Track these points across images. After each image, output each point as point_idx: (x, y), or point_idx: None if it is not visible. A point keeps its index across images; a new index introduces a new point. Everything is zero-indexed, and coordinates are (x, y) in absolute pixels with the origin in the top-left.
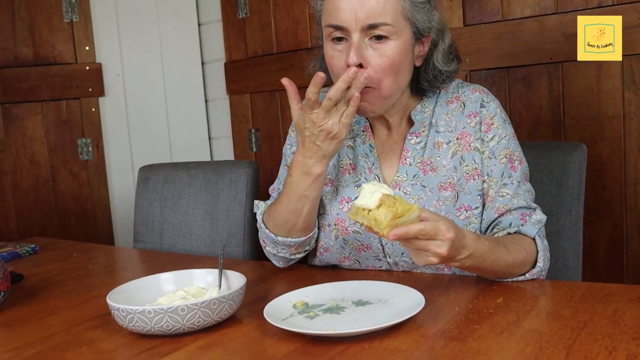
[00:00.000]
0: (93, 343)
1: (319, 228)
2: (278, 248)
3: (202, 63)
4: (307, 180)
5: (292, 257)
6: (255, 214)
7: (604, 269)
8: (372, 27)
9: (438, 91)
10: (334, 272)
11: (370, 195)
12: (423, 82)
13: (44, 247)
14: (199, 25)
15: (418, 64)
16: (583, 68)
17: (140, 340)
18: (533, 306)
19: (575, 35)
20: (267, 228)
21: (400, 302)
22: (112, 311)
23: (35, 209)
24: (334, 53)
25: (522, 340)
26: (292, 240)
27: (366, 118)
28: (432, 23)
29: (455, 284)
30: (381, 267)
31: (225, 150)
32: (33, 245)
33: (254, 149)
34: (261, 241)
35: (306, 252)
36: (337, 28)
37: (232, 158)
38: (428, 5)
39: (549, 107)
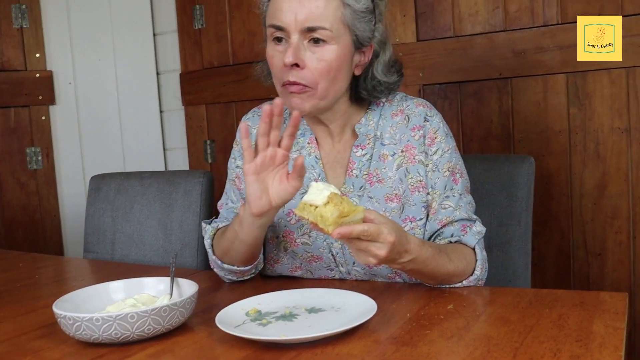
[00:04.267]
0: (37, 353)
1: (267, 240)
2: (224, 273)
3: (157, 73)
4: (237, 220)
5: (239, 279)
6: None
7: (552, 278)
8: (311, 30)
9: (382, 104)
10: (287, 281)
11: (318, 192)
12: (362, 91)
13: None
14: (154, 35)
15: (357, 72)
16: (531, 84)
17: (87, 350)
18: (482, 312)
19: (523, 52)
20: (214, 254)
21: (353, 308)
22: (58, 319)
23: None
24: (274, 53)
25: (471, 344)
26: (237, 268)
27: (311, 130)
28: (375, 34)
29: (407, 291)
30: (334, 276)
31: (180, 162)
32: None
33: (210, 160)
34: (210, 263)
35: (253, 275)
36: (278, 28)
37: (187, 169)
38: (370, 15)
39: (499, 121)
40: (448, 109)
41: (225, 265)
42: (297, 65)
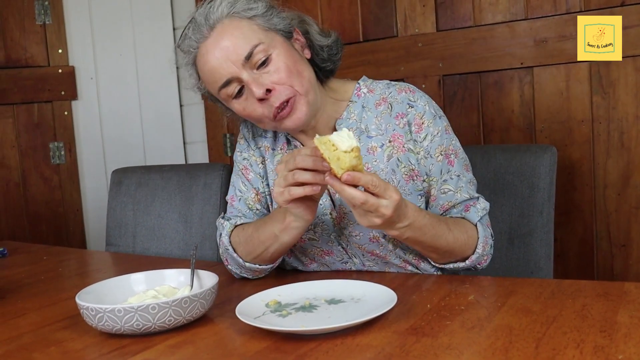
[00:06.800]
0: (61, 343)
1: None
2: (242, 270)
3: (177, 67)
4: (281, 225)
5: (254, 277)
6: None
7: (575, 270)
8: (249, 56)
9: (363, 94)
10: (306, 273)
11: (348, 139)
12: (326, 64)
13: (13, 251)
14: (174, 29)
15: (308, 55)
16: (553, 73)
17: (109, 340)
18: (504, 302)
19: (545, 40)
20: (235, 251)
21: (373, 300)
22: (82, 310)
23: (5, 213)
24: (243, 105)
25: (493, 334)
26: (260, 267)
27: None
28: (288, 20)
29: (427, 282)
30: (350, 269)
31: (200, 155)
32: (1, 249)
33: (229, 154)
34: (223, 259)
35: (267, 273)
36: (227, 84)
37: (207, 162)
38: (272, 9)
39: (521, 111)
40: (468, 100)
41: (247, 264)
42: (268, 91)
